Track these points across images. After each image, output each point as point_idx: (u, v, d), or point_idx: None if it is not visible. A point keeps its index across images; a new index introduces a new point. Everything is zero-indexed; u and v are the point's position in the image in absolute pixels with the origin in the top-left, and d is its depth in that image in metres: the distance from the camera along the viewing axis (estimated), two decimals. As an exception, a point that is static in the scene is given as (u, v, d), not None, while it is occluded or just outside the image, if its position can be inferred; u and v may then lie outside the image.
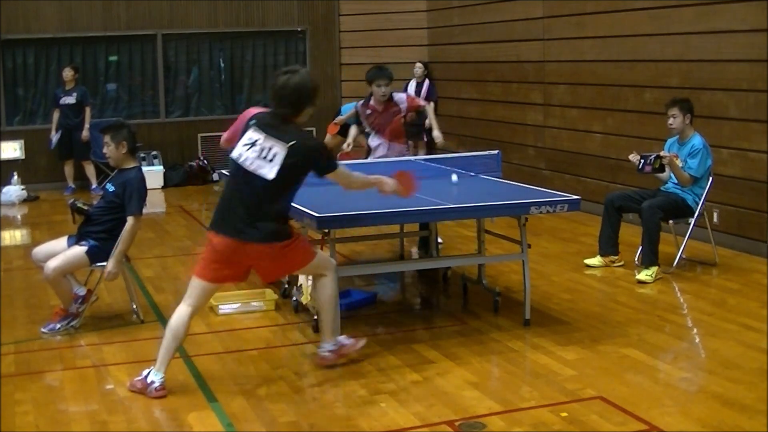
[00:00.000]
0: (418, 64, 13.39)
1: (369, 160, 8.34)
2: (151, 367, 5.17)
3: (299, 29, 14.65)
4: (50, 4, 13.44)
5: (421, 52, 14.05)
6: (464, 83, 13.17)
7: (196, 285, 5.20)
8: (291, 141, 4.98)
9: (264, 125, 5.07)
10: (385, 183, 5.50)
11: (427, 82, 13.37)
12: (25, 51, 13.57)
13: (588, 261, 8.00)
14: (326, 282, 5.41)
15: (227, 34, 14.42)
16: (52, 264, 6.23)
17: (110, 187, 6.45)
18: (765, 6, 7.98)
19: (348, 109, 9.05)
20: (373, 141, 8.47)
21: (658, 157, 7.65)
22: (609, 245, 7.94)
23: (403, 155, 8.55)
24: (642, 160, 7.71)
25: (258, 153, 5.00)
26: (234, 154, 5.10)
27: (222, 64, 14.63)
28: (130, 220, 6.28)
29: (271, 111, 5.13)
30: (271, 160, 4.96)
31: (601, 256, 7.96)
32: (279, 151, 4.97)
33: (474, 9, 12.76)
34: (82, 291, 6.54)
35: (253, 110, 5.24)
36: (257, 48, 14.63)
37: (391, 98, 8.45)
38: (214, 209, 5.30)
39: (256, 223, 5.02)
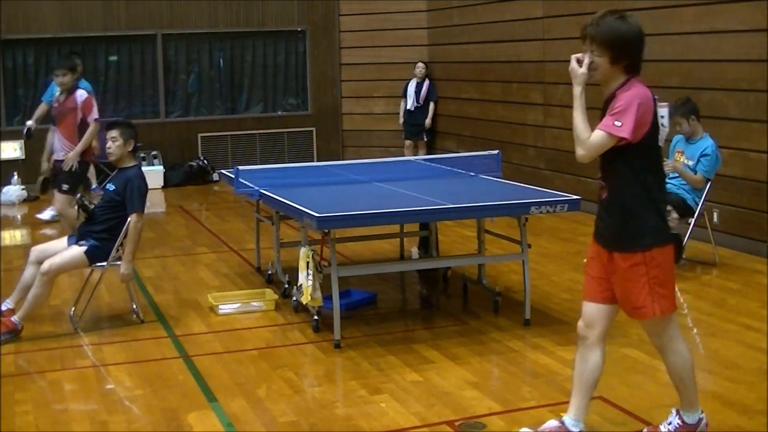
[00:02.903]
0: (420, 64, 13.41)
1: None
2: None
3: (299, 29, 14.65)
4: (50, 4, 13.44)
5: (421, 52, 14.05)
6: (464, 83, 13.17)
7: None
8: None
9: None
10: None
11: (427, 81, 13.39)
12: (25, 51, 13.56)
13: None
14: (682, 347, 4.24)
15: (227, 34, 14.42)
16: (52, 261, 6.23)
17: (111, 186, 6.47)
18: (765, 6, 7.98)
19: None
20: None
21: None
22: None
23: (66, 159, 8.20)
24: None
25: (662, 124, 4.19)
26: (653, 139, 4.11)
27: (222, 64, 14.63)
28: (132, 217, 6.29)
29: (636, 73, 4.18)
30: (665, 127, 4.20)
31: None
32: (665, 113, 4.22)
33: (474, 9, 12.76)
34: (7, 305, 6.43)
35: (645, 89, 4.14)
36: (257, 48, 14.63)
37: (72, 92, 8.30)
38: (658, 217, 4.16)
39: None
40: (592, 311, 4.22)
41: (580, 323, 4.27)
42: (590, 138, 4.18)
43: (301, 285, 6.04)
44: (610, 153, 4.13)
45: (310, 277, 5.96)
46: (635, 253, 4.07)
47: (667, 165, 7.69)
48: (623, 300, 4.14)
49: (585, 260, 4.40)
